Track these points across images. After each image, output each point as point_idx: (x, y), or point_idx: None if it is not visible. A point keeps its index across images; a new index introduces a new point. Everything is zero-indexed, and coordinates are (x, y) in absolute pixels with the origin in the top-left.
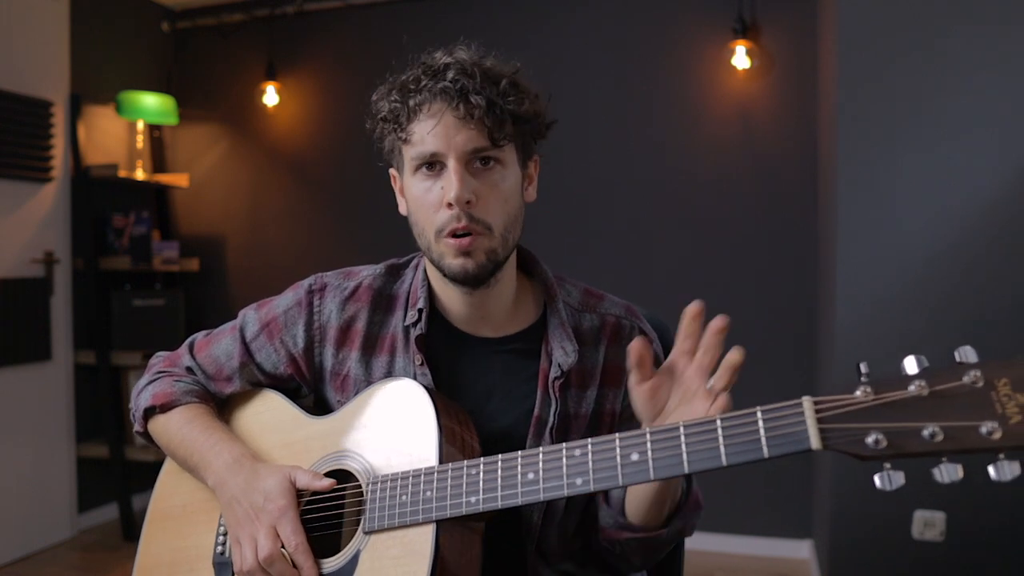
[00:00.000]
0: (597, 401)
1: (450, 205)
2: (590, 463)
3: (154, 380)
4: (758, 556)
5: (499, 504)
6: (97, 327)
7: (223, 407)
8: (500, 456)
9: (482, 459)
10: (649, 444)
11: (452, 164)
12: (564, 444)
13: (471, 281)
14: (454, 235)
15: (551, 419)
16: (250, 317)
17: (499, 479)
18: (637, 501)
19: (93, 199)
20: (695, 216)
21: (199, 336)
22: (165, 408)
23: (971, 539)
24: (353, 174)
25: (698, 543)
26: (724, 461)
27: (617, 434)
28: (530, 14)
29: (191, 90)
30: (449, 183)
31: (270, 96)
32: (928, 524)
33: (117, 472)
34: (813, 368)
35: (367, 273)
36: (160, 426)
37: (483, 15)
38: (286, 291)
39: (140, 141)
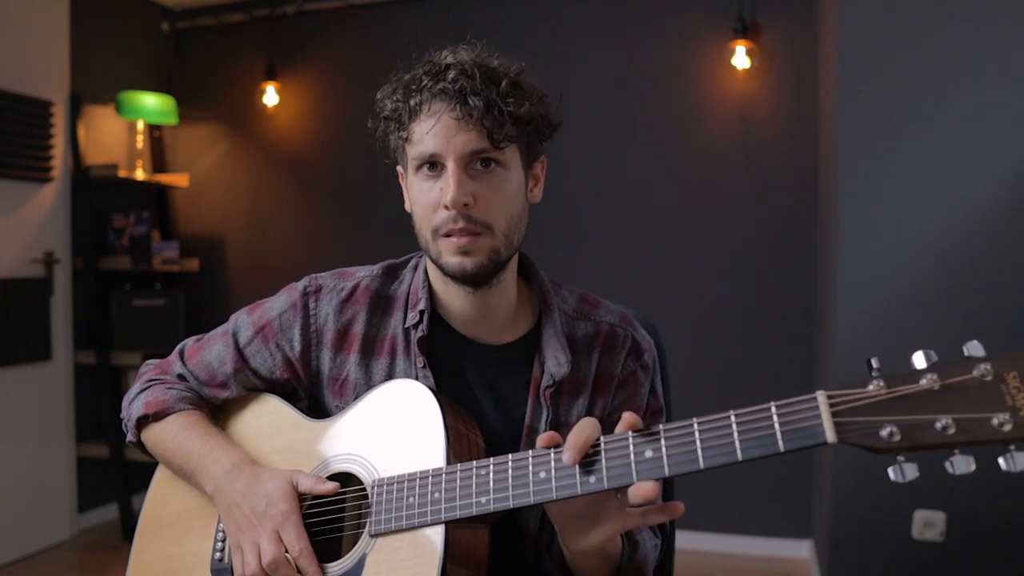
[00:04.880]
0: (587, 410)
1: (447, 207)
2: (603, 461)
3: (145, 388)
4: (758, 556)
5: (511, 504)
6: (97, 327)
7: (219, 412)
8: (510, 456)
9: (492, 459)
10: (663, 441)
11: (451, 166)
12: None
13: (471, 280)
14: (450, 235)
15: (542, 427)
16: (243, 321)
17: (510, 479)
18: (577, 559)
19: (93, 199)
20: (695, 216)
21: (189, 342)
22: (158, 416)
23: (971, 539)
24: (353, 174)
25: (698, 543)
26: (739, 456)
27: (630, 432)
28: (530, 14)
29: (191, 90)
30: (447, 185)
31: (270, 96)
32: (928, 524)
33: (117, 472)
34: (813, 368)
35: (363, 274)
36: (154, 435)
37: (483, 15)
38: (279, 293)
39: (140, 141)
